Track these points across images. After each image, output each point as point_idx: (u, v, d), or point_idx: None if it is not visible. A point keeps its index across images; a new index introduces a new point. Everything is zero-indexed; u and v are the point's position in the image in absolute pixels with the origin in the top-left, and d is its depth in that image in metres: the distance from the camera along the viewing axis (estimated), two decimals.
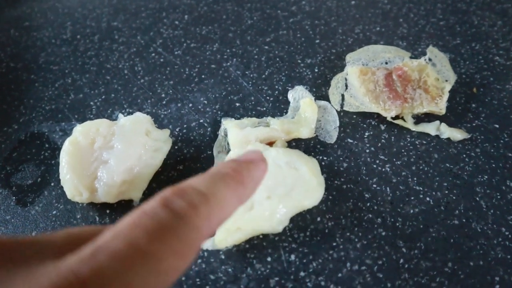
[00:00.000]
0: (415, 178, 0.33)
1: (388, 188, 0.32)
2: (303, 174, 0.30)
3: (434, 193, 0.32)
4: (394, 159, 0.34)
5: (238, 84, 0.39)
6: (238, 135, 0.33)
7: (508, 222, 0.30)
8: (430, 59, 0.37)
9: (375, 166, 0.33)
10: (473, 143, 0.34)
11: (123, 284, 0.14)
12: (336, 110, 0.36)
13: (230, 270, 0.29)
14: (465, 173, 0.33)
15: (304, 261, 0.29)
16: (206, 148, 0.35)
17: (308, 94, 0.36)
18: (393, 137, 0.35)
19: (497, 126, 0.35)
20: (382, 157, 0.34)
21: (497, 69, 0.39)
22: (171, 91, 0.39)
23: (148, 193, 0.33)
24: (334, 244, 0.30)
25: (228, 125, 0.34)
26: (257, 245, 0.30)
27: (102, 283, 0.14)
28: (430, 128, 0.35)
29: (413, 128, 0.35)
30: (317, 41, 0.42)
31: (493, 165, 0.33)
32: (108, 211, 0.32)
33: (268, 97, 0.38)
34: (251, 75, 0.39)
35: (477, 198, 0.32)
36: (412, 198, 0.32)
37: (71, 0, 0.48)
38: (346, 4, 0.45)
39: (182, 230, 0.17)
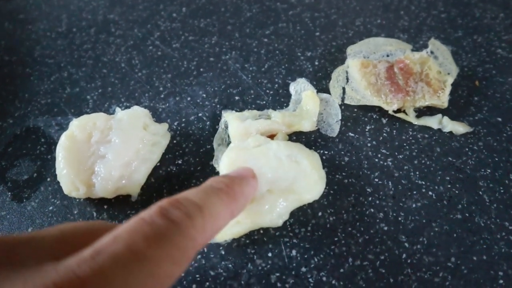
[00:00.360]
0: (417, 172, 0.32)
1: (390, 182, 0.32)
2: (304, 167, 0.30)
3: (436, 187, 0.31)
4: (396, 153, 0.33)
5: (237, 77, 0.38)
6: (239, 128, 0.32)
7: (511, 216, 0.30)
8: (432, 52, 0.37)
9: (376, 160, 0.33)
10: (476, 136, 0.34)
11: (122, 286, 0.14)
12: (337, 103, 0.35)
13: (230, 266, 0.28)
14: (468, 167, 0.32)
15: (306, 256, 0.29)
16: (205, 142, 0.34)
17: (310, 86, 0.36)
18: (395, 131, 0.34)
19: (500, 119, 0.35)
20: (384, 151, 0.33)
21: (500, 62, 0.38)
22: (169, 84, 0.38)
23: (147, 188, 0.32)
24: (336, 239, 0.29)
25: (229, 117, 0.33)
26: (258, 240, 0.29)
27: (102, 283, 0.14)
28: (432, 122, 0.34)
29: (415, 121, 0.34)
30: (317, 33, 0.41)
31: (496, 159, 0.33)
32: (105, 207, 0.32)
33: (267, 91, 0.37)
34: (251, 68, 0.39)
35: (480, 192, 0.31)
36: (415, 192, 0.31)
37: None
38: None
39: (179, 238, 0.17)
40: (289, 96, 0.36)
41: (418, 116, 0.35)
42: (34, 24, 0.44)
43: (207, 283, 0.28)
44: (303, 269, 0.28)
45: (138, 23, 0.43)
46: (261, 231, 0.30)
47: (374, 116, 0.35)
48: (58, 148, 0.31)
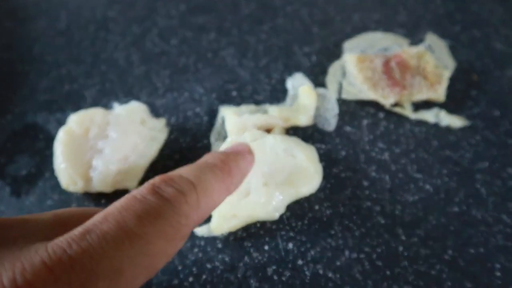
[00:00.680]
0: (414, 166, 0.32)
1: (387, 176, 0.32)
2: (300, 161, 0.30)
3: (433, 180, 0.31)
4: (393, 147, 0.33)
5: (235, 73, 0.38)
6: (236, 122, 0.32)
7: (509, 209, 0.30)
8: (429, 46, 0.36)
9: (374, 154, 0.33)
10: (473, 130, 0.34)
11: (113, 264, 0.14)
12: (335, 98, 0.35)
13: (227, 259, 0.29)
14: (465, 160, 0.32)
15: (302, 249, 0.29)
16: (203, 137, 0.34)
17: (307, 81, 0.36)
18: (392, 125, 0.34)
19: (497, 113, 0.35)
20: (381, 145, 0.33)
21: (498, 56, 0.38)
22: (167, 80, 0.38)
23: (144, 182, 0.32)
24: (333, 232, 0.29)
25: (226, 112, 0.34)
26: (254, 233, 0.29)
27: (92, 261, 0.14)
28: (429, 116, 0.34)
29: (412, 115, 0.34)
30: (315, 29, 0.41)
31: (494, 152, 0.33)
32: (103, 201, 0.32)
33: (265, 86, 0.37)
34: (248, 64, 0.39)
35: (477, 185, 0.31)
36: (412, 185, 0.31)
37: None
38: None
39: (171, 214, 0.17)
40: (286, 91, 0.37)
41: (415, 110, 0.35)
42: (33, 22, 0.44)
43: (204, 276, 0.28)
44: (300, 262, 0.28)
45: (137, 20, 0.44)
46: (258, 225, 0.30)
47: (371, 111, 0.35)
48: (56, 143, 0.32)
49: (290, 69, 0.38)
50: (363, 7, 0.43)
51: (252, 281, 0.28)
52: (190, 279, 0.28)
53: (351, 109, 0.35)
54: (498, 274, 0.27)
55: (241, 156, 0.24)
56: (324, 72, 0.37)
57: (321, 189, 0.31)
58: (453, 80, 0.36)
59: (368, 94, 0.34)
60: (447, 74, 0.35)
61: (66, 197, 0.32)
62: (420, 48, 0.36)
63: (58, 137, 0.32)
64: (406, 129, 0.34)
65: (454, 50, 0.38)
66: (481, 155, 0.33)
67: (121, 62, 0.40)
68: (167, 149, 0.34)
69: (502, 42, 0.39)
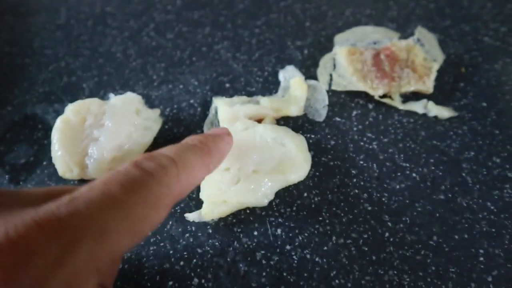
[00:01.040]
0: (402, 155, 0.33)
1: (375, 164, 0.33)
2: (289, 149, 0.30)
3: (420, 169, 0.32)
4: (382, 137, 0.34)
5: (228, 66, 0.39)
6: (228, 112, 0.33)
7: (493, 197, 0.31)
8: (418, 40, 0.37)
9: (362, 143, 0.34)
10: (461, 121, 0.35)
11: (98, 225, 0.15)
12: (325, 89, 0.36)
13: (217, 243, 0.29)
14: (452, 150, 0.33)
15: (290, 235, 0.30)
16: (196, 128, 0.35)
17: (298, 73, 0.37)
18: (380, 116, 0.35)
19: (484, 104, 0.35)
20: (369, 134, 0.34)
21: (486, 49, 0.39)
22: (162, 73, 0.39)
23: None
24: (320, 218, 0.30)
25: (219, 103, 0.34)
26: (244, 219, 0.30)
27: (79, 224, 0.15)
28: (418, 106, 0.35)
29: (401, 106, 0.35)
30: (307, 24, 0.42)
31: (480, 142, 0.33)
32: None
33: (258, 78, 0.38)
34: (242, 57, 0.40)
35: (463, 174, 0.32)
36: (399, 174, 0.32)
37: None
38: None
39: (152, 184, 0.18)
40: (278, 83, 0.37)
41: (403, 101, 0.35)
42: (34, 17, 0.45)
43: (195, 260, 0.29)
44: (288, 247, 0.29)
45: (134, 15, 0.45)
46: (248, 211, 0.31)
47: (361, 102, 0.36)
48: (54, 131, 0.32)
49: (282, 62, 0.39)
50: (355, 2, 0.44)
51: (241, 265, 0.28)
52: (181, 263, 0.29)
53: (341, 100, 0.36)
54: (481, 259, 0.28)
55: (219, 137, 0.26)
56: (315, 64, 0.38)
57: (310, 177, 0.32)
58: (441, 73, 0.37)
59: (358, 85, 0.35)
60: (435, 66, 0.35)
61: (62, 184, 0.33)
62: (409, 41, 0.36)
63: (55, 125, 0.33)
64: (394, 120, 0.35)
65: (443, 44, 0.39)
66: (467, 145, 0.33)
67: (119, 56, 0.41)
68: (161, 138, 0.35)
69: (490, 36, 0.40)
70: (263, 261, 0.28)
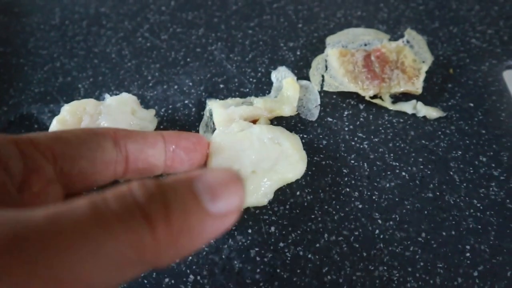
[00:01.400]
0: (391, 154, 0.34)
1: (365, 163, 0.33)
2: (286, 149, 0.31)
3: (409, 168, 0.33)
4: (372, 137, 0.35)
5: (222, 67, 0.40)
6: (223, 114, 0.34)
7: (480, 195, 0.32)
8: (408, 41, 0.38)
9: (353, 143, 0.35)
10: (448, 121, 0.36)
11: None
12: (317, 90, 0.37)
13: (212, 241, 0.30)
14: (440, 149, 0.34)
15: (284, 232, 0.30)
16: (191, 128, 0.36)
17: (291, 74, 0.37)
18: (371, 116, 0.36)
19: (471, 105, 0.36)
20: (360, 134, 0.35)
21: (473, 51, 0.40)
22: (157, 73, 0.40)
23: None
24: (313, 216, 0.31)
25: (213, 105, 0.35)
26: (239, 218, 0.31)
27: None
28: (407, 107, 0.36)
29: (391, 107, 0.36)
30: (300, 25, 0.43)
31: (467, 142, 0.34)
32: (95, 188, 0.33)
33: (251, 79, 0.39)
34: (235, 58, 0.40)
35: (451, 173, 0.33)
36: (389, 173, 0.33)
37: None
38: None
39: None
40: (271, 84, 0.38)
41: (393, 102, 0.36)
42: (28, 17, 0.46)
43: (190, 257, 0.29)
44: (281, 244, 0.30)
45: (128, 16, 0.45)
46: (242, 210, 0.31)
47: (352, 102, 0.37)
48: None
49: (275, 63, 0.40)
50: (346, 5, 0.45)
51: (236, 262, 0.29)
52: (177, 260, 0.29)
53: (333, 101, 0.37)
54: (468, 254, 0.29)
55: None
56: (307, 65, 0.39)
57: (302, 176, 0.32)
58: (430, 74, 0.38)
59: (349, 86, 0.36)
60: (424, 68, 0.36)
61: None
62: (399, 43, 0.37)
63: (52, 126, 0.33)
64: (384, 120, 0.36)
65: (432, 45, 0.40)
66: (455, 144, 0.34)
67: (113, 56, 0.42)
68: None
69: (477, 38, 0.41)
70: (257, 258, 0.29)
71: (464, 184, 0.32)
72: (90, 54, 0.42)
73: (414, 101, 0.36)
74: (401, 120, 0.36)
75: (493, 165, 0.33)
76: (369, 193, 0.32)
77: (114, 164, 0.23)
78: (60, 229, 0.13)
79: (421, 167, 0.33)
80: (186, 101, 0.38)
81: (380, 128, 0.35)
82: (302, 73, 0.39)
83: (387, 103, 0.36)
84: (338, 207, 0.31)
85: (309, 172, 0.33)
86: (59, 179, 0.21)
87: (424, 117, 0.36)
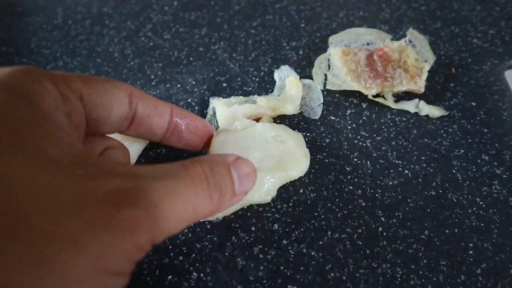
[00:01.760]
0: (394, 153, 0.34)
1: (368, 162, 0.33)
2: (289, 146, 0.31)
3: (412, 166, 0.33)
4: (375, 135, 0.35)
5: (225, 66, 0.40)
6: (226, 112, 0.34)
7: (482, 193, 0.32)
8: (410, 41, 0.38)
9: (356, 141, 0.35)
10: (451, 119, 0.36)
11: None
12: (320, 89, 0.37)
13: (215, 239, 0.30)
14: (443, 148, 0.34)
15: (287, 230, 0.30)
16: None
17: (293, 73, 0.38)
18: (374, 114, 0.36)
19: (474, 104, 0.37)
20: (363, 133, 0.35)
21: (475, 51, 0.40)
22: (160, 73, 0.40)
23: None
24: (316, 214, 0.31)
25: (216, 103, 0.35)
26: (242, 215, 0.31)
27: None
28: (410, 106, 0.36)
29: (393, 105, 0.36)
30: (302, 25, 0.43)
31: (469, 140, 0.34)
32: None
33: (254, 78, 0.39)
34: (238, 57, 0.41)
35: (454, 171, 0.33)
36: (392, 171, 0.33)
37: None
38: None
39: None
40: (273, 83, 0.38)
41: (396, 101, 0.36)
42: (31, 17, 0.46)
43: (193, 255, 0.29)
44: (284, 241, 0.30)
45: (131, 16, 0.45)
46: (245, 207, 0.31)
47: (355, 101, 0.37)
48: None
49: (278, 63, 0.40)
50: (349, 4, 0.45)
51: (239, 259, 0.29)
52: (180, 257, 0.29)
53: (335, 100, 0.37)
54: (470, 252, 0.29)
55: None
56: (310, 65, 0.39)
57: (306, 174, 0.32)
58: (432, 73, 0.38)
59: (352, 85, 0.36)
60: (426, 67, 0.36)
61: None
62: (401, 42, 0.37)
63: None
64: (387, 118, 0.36)
65: (434, 45, 0.40)
66: (457, 143, 0.34)
67: (116, 55, 0.42)
68: None
69: (479, 38, 0.41)
70: (261, 255, 0.29)
71: (467, 182, 0.32)
72: (93, 53, 0.42)
73: (416, 100, 0.36)
74: (404, 119, 0.36)
75: (496, 163, 0.33)
76: (372, 191, 0.32)
77: (123, 119, 0.25)
78: (170, 177, 0.19)
79: (424, 165, 0.33)
80: (189, 100, 0.38)
81: (383, 127, 0.35)
82: (304, 72, 0.39)
83: (389, 102, 0.36)
84: (341, 204, 0.31)
85: (312, 170, 0.33)
86: None
87: (427, 116, 0.36)
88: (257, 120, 0.34)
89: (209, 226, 0.31)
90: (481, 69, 0.39)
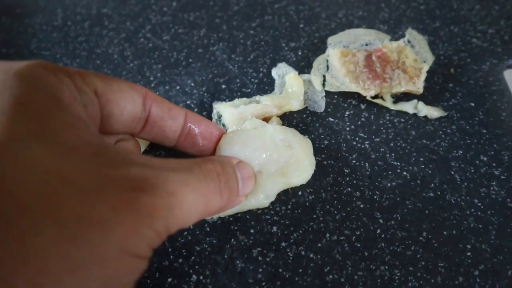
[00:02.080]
0: (393, 154, 0.34)
1: (367, 163, 0.34)
2: (296, 152, 0.30)
3: (411, 167, 0.33)
4: (373, 136, 0.35)
5: (224, 67, 0.40)
6: (234, 113, 0.33)
7: (481, 194, 0.32)
8: (409, 41, 0.38)
9: (354, 143, 0.35)
10: (449, 120, 0.36)
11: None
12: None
13: (214, 241, 0.30)
14: (441, 149, 0.34)
15: (286, 232, 0.31)
16: None
17: (291, 69, 0.38)
18: (372, 116, 0.36)
19: (472, 104, 0.37)
20: (361, 134, 0.35)
21: (474, 50, 0.40)
22: (159, 74, 0.40)
23: None
24: (314, 216, 0.31)
25: (221, 107, 0.34)
26: (241, 218, 0.31)
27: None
28: (408, 107, 0.36)
29: (392, 106, 0.36)
30: (301, 25, 0.43)
31: (468, 141, 0.35)
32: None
33: (253, 79, 0.39)
34: (237, 59, 0.41)
35: (452, 172, 0.33)
36: (390, 172, 0.33)
37: None
38: None
39: None
40: (273, 83, 0.38)
41: (395, 102, 0.36)
42: (31, 18, 0.46)
43: (193, 257, 0.30)
44: (283, 244, 0.30)
45: (130, 17, 0.45)
46: (245, 211, 0.31)
47: (353, 102, 0.37)
48: None
49: (276, 63, 0.40)
50: (347, 5, 0.45)
51: (238, 262, 0.29)
52: (180, 260, 0.30)
53: (334, 101, 0.37)
54: (468, 254, 0.29)
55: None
56: (309, 66, 0.39)
57: None
58: (431, 73, 0.38)
59: (350, 86, 0.36)
60: (425, 67, 0.36)
61: None
62: (400, 43, 0.37)
63: None
64: (386, 120, 0.36)
65: (433, 45, 0.40)
66: (456, 144, 0.34)
67: (116, 57, 0.42)
68: None
69: (478, 37, 0.41)
70: (260, 258, 0.29)
71: (465, 184, 0.32)
72: (93, 55, 0.42)
73: (415, 101, 0.36)
74: (402, 120, 0.36)
75: (494, 164, 0.33)
76: (370, 193, 0.32)
77: (136, 120, 0.26)
78: (185, 171, 0.21)
79: (422, 166, 0.33)
80: (188, 102, 0.38)
81: (382, 128, 0.35)
82: (303, 73, 0.39)
83: (388, 103, 0.36)
84: (339, 206, 0.32)
85: None
86: None
87: (425, 116, 0.36)
88: (265, 120, 0.34)
89: (208, 229, 0.31)
90: (480, 69, 0.39)
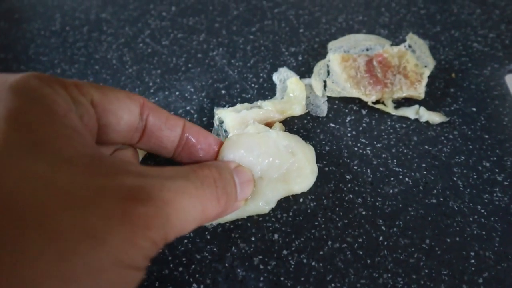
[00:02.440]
0: (394, 160, 0.34)
1: (368, 169, 0.33)
2: (298, 159, 0.30)
3: (413, 174, 0.33)
4: (375, 142, 0.35)
5: (224, 73, 0.40)
6: (236, 118, 0.33)
7: (484, 200, 0.32)
8: (409, 46, 0.38)
9: (356, 149, 0.34)
10: (451, 126, 0.35)
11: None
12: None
13: (215, 249, 0.30)
14: (443, 155, 0.34)
15: (287, 240, 0.30)
16: None
17: (293, 73, 0.37)
18: (374, 121, 0.36)
19: (474, 109, 0.36)
20: (363, 140, 0.35)
21: (475, 55, 0.40)
22: (158, 80, 0.40)
23: None
24: (316, 223, 0.31)
25: (223, 113, 0.34)
26: (242, 225, 0.31)
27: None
28: (410, 112, 0.36)
29: (393, 112, 0.36)
30: (301, 30, 0.43)
31: (470, 147, 0.34)
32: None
33: (253, 85, 0.39)
34: (237, 64, 0.40)
35: (454, 178, 0.33)
36: (392, 179, 0.33)
37: None
38: None
39: None
40: (273, 89, 0.38)
41: (396, 107, 0.36)
42: (29, 23, 0.46)
43: (193, 266, 0.29)
44: (285, 251, 0.30)
45: (129, 22, 0.45)
46: (245, 217, 0.31)
47: (354, 108, 0.37)
48: None
49: (277, 68, 0.39)
50: (348, 9, 0.45)
51: (239, 270, 0.29)
52: (180, 268, 0.29)
53: (335, 106, 0.37)
54: (472, 261, 0.29)
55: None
56: (309, 71, 0.39)
57: None
58: (432, 78, 0.38)
59: (351, 91, 0.36)
60: (426, 72, 0.36)
61: None
62: (401, 47, 0.37)
63: None
64: (387, 125, 0.36)
65: (434, 50, 0.40)
66: (458, 149, 0.34)
67: (114, 62, 0.41)
68: None
69: (479, 42, 0.41)
70: (261, 266, 0.29)
71: (468, 190, 0.32)
72: (91, 60, 0.42)
73: (416, 106, 0.36)
74: (404, 126, 0.35)
75: (497, 170, 0.33)
76: (372, 200, 0.32)
77: (133, 130, 0.25)
78: (181, 178, 0.21)
79: (425, 172, 0.33)
80: (188, 107, 0.38)
81: (383, 134, 0.35)
82: (303, 78, 0.38)
83: (389, 108, 0.36)
84: (341, 213, 0.31)
85: None
86: None
87: (427, 122, 0.35)
88: (267, 125, 0.34)
89: (208, 237, 0.30)
90: (481, 73, 0.39)
